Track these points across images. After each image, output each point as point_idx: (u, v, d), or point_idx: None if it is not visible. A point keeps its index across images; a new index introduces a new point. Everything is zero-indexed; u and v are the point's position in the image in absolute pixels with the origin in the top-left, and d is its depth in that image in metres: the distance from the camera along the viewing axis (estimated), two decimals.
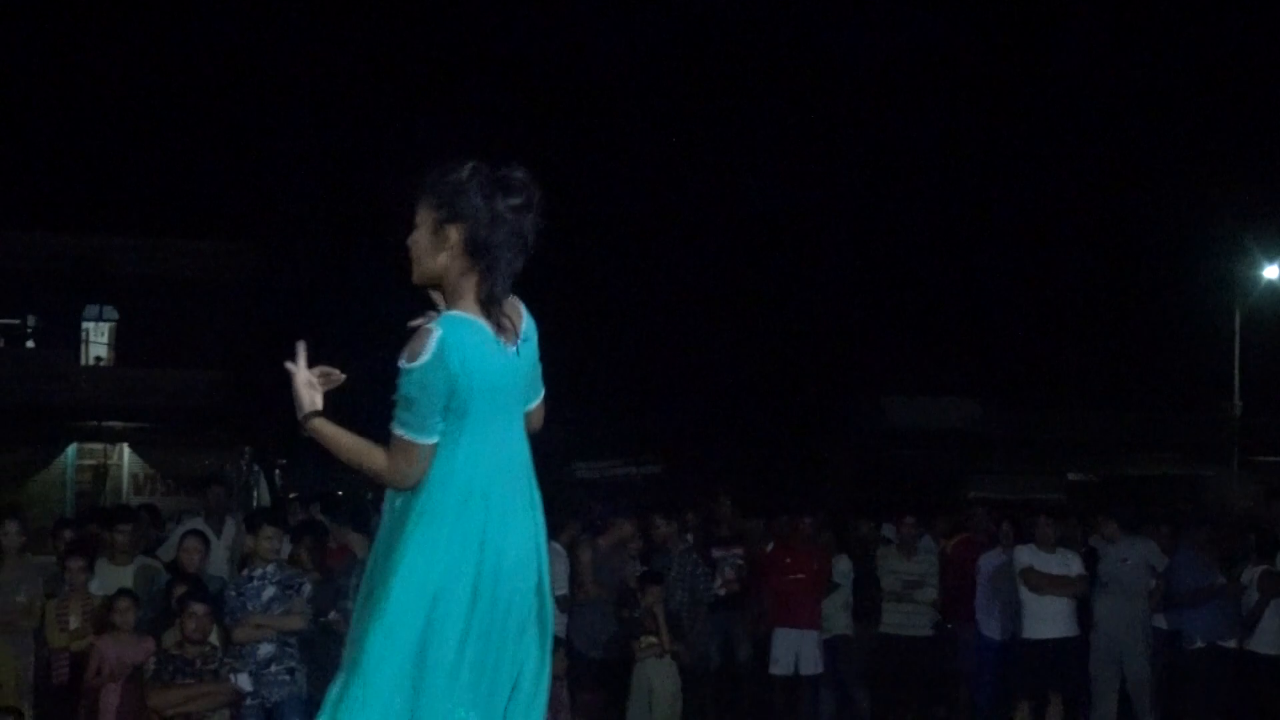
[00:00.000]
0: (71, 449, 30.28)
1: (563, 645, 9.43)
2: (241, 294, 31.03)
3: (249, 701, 9.12)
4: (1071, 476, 33.12)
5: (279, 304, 30.73)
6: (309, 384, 3.98)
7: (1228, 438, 32.93)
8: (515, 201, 3.90)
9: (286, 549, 10.17)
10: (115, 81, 37.90)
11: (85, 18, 39.20)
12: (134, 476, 30.49)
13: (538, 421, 4.19)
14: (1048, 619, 11.62)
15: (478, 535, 3.87)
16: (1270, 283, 32.83)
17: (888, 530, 13.56)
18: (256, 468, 30.10)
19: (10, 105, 35.91)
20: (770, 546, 12.68)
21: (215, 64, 40.13)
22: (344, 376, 3.99)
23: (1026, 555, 11.72)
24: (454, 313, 3.89)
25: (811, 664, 12.18)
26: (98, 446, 30.96)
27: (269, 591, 9.38)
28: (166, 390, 30.21)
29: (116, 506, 16.49)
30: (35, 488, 27.65)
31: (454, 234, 3.89)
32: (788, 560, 12.36)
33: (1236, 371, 33.01)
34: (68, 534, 10.95)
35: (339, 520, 12.50)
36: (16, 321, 32.35)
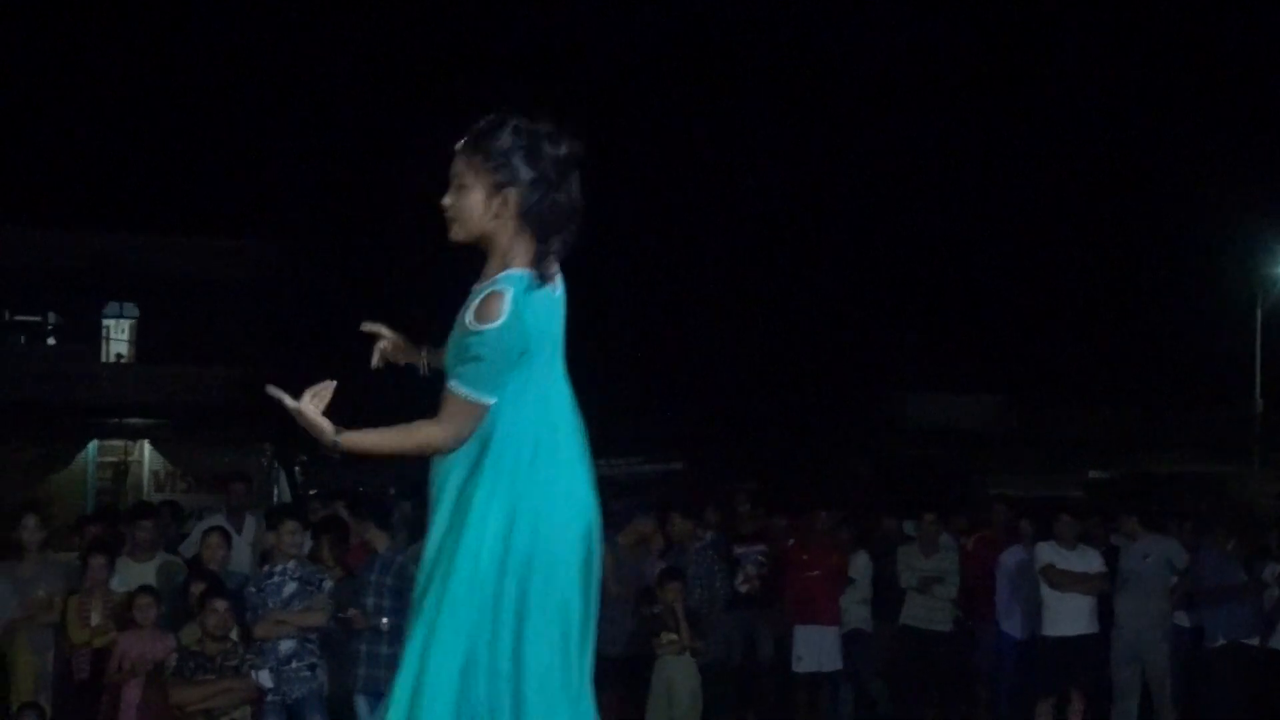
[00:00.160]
0: (92, 446, 30.29)
1: None
2: (262, 291, 30.98)
3: (270, 698, 9.13)
4: (1092, 474, 33.00)
5: (299, 301, 30.74)
6: (312, 412, 3.91)
7: (1249, 435, 32.87)
8: (563, 152, 3.93)
9: (307, 545, 10.19)
10: (137, 80, 37.98)
11: (108, 17, 39.32)
12: (154, 473, 30.55)
13: None
14: (1068, 616, 11.58)
15: (549, 485, 3.91)
16: None
17: (909, 527, 13.54)
18: (277, 464, 30.10)
19: (32, 104, 36.02)
20: (790, 543, 12.68)
21: (237, 62, 40.18)
22: (334, 384, 3.95)
23: (1047, 552, 11.68)
24: (513, 272, 3.91)
25: (832, 660, 12.18)
26: (118, 443, 30.97)
27: (290, 588, 9.38)
28: (187, 387, 30.23)
29: (138, 503, 16.50)
30: (56, 485, 27.60)
31: (512, 195, 3.91)
32: (804, 557, 12.37)
33: (1258, 369, 32.94)
34: (91, 530, 10.98)
35: (360, 516, 12.46)
36: (37, 319, 32.46)
